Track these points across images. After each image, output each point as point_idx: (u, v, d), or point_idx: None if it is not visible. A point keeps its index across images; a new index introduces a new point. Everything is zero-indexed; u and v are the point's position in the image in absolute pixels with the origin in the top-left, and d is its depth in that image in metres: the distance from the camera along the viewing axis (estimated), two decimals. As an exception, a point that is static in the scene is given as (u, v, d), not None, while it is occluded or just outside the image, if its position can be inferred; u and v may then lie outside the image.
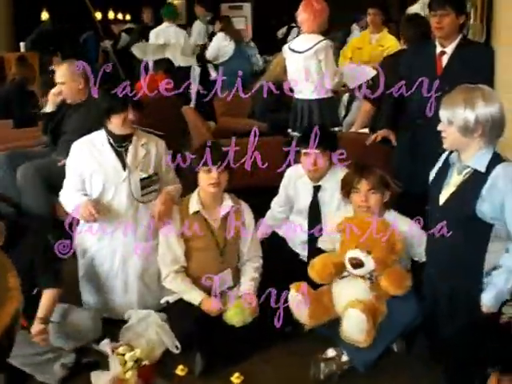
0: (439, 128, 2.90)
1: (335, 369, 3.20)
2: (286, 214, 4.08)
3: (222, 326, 3.36)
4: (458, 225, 2.93)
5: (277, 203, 4.10)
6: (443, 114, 2.86)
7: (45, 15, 11.13)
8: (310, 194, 3.89)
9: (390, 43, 6.09)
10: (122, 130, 3.59)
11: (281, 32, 9.96)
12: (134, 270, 3.69)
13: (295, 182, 3.96)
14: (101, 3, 11.16)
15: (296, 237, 3.98)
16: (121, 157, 3.62)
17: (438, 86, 3.77)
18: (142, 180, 3.62)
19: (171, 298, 3.56)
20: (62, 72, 4.38)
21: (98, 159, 3.61)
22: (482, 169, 2.83)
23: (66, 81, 4.35)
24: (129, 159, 3.61)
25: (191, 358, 3.28)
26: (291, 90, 5.40)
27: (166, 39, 8.22)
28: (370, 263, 3.16)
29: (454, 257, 2.98)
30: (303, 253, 3.94)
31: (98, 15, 10.66)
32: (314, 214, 3.89)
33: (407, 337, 3.40)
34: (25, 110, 6.81)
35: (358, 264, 3.17)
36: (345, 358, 3.22)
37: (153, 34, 8.28)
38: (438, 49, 3.86)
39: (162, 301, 3.62)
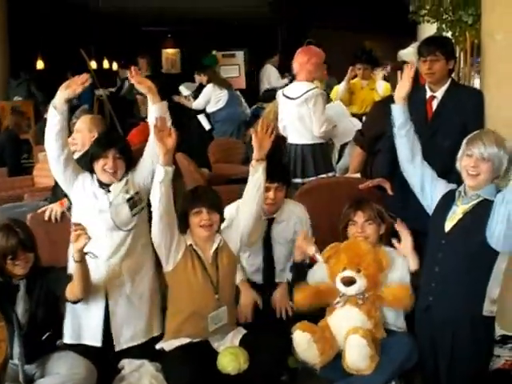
0: (472, 164, 3.05)
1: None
2: None
3: (217, 375, 3.31)
4: (465, 250, 3.05)
5: None
6: (480, 150, 3.03)
7: (40, 64, 11.27)
8: (263, 226, 3.89)
9: (384, 87, 6.22)
10: (102, 177, 3.57)
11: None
12: (121, 290, 3.60)
13: None
14: (96, 52, 11.34)
15: (247, 266, 3.94)
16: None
17: (429, 130, 3.80)
18: (128, 200, 3.58)
19: (166, 346, 3.49)
20: (83, 121, 4.44)
21: (87, 193, 3.60)
22: (493, 197, 3.03)
23: (82, 130, 4.38)
24: (111, 197, 3.57)
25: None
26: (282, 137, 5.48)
27: None
28: (361, 280, 3.30)
29: (458, 283, 3.07)
30: (257, 278, 3.93)
31: (93, 64, 10.79)
32: (268, 245, 3.91)
33: (405, 378, 3.37)
34: (18, 158, 6.85)
35: (350, 281, 3.29)
36: (341, 401, 3.20)
37: None
38: (428, 93, 3.90)
39: (158, 346, 3.54)
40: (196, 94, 8.69)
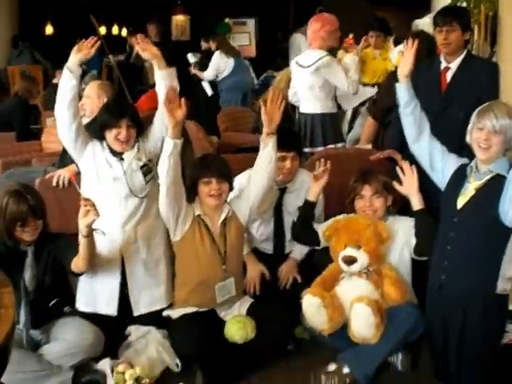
0: (483, 137, 2.96)
1: (336, 382, 3.16)
2: None
3: (224, 343, 3.33)
4: (478, 228, 3.00)
5: None
6: (491, 123, 2.94)
7: (49, 29, 11.18)
8: (275, 195, 3.85)
9: (398, 56, 6.09)
10: (115, 146, 3.52)
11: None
12: (137, 256, 3.58)
13: None
14: (105, 18, 11.22)
15: (257, 235, 3.93)
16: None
17: (442, 101, 3.75)
18: (141, 168, 3.55)
19: (174, 313, 3.50)
20: (91, 87, 4.45)
21: (99, 161, 3.55)
22: (505, 172, 2.94)
23: (91, 96, 4.39)
24: (125, 165, 3.53)
25: (192, 376, 3.23)
26: (292, 106, 5.43)
27: None
28: (362, 257, 3.29)
29: (471, 261, 3.01)
30: (267, 247, 3.93)
31: (103, 30, 10.69)
32: (279, 215, 3.88)
33: (412, 353, 3.38)
34: (27, 124, 6.81)
35: (351, 260, 3.29)
36: (346, 370, 3.19)
37: None
38: (443, 64, 3.84)
39: (164, 314, 3.56)
40: (201, 62, 8.58)
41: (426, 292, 3.28)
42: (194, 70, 8.67)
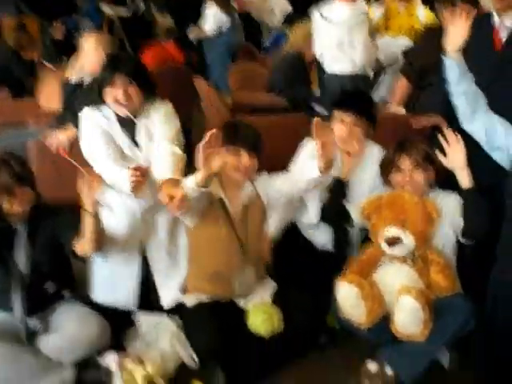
0: None
1: (381, 385, 2.82)
2: None
3: (247, 336, 2.93)
4: None
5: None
6: None
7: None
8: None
9: (425, 13, 5.63)
10: (118, 110, 3.11)
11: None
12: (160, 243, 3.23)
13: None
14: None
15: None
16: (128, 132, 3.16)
17: (497, 65, 3.27)
18: None
19: (187, 300, 3.08)
20: (87, 41, 3.92)
21: (109, 131, 3.15)
22: None
23: (89, 50, 3.88)
24: (140, 137, 3.15)
25: (210, 374, 2.87)
26: (313, 62, 4.97)
27: None
28: (408, 239, 2.89)
29: None
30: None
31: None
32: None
33: (460, 351, 3.01)
34: (23, 80, 6.37)
35: (395, 241, 2.89)
36: (389, 371, 2.82)
37: None
38: (496, 21, 3.36)
39: (178, 300, 3.15)
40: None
41: (471, 280, 2.96)
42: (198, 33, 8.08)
